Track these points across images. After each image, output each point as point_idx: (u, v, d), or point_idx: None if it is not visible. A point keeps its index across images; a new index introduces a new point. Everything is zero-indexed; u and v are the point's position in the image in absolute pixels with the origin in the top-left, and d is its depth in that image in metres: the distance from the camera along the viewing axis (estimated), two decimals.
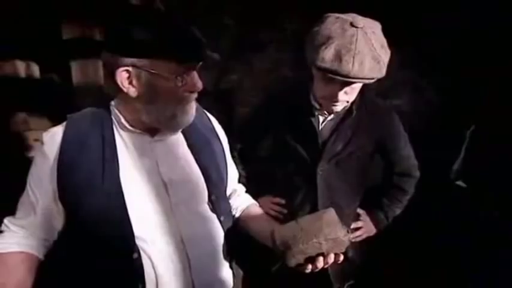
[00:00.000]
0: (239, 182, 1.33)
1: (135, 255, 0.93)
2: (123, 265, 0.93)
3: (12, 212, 1.02)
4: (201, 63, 0.93)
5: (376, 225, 1.58)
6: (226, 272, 1.10)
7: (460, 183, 2.08)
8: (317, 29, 1.19)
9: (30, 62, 1.99)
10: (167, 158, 1.01)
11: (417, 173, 1.56)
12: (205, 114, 1.17)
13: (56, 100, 2.01)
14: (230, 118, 2.57)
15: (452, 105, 2.53)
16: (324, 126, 1.41)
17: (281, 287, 1.46)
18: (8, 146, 1.93)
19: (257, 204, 1.30)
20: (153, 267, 0.94)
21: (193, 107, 0.97)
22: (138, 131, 0.98)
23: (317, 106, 1.37)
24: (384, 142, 1.45)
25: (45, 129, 0.99)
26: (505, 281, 1.87)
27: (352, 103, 1.35)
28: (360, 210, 1.58)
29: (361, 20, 1.16)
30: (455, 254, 2.18)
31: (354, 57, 1.11)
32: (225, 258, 1.09)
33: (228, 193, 1.21)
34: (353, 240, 1.52)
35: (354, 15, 1.19)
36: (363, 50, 1.12)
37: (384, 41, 1.19)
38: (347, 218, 1.51)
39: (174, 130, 1.01)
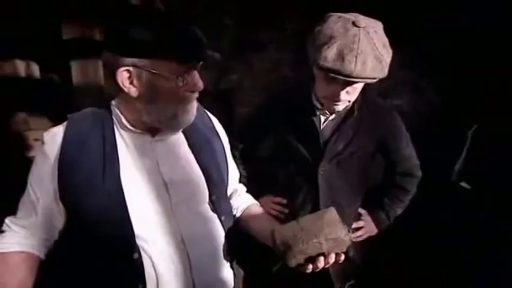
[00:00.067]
0: (240, 182, 1.33)
1: (136, 255, 0.93)
2: (123, 265, 0.93)
3: (12, 211, 1.02)
4: (201, 62, 0.93)
5: (377, 225, 1.57)
6: (227, 272, 1.10)
7: (464, 184, 2.08)
8: (319, 28, 1.19)
9: (30, 62, 1.99)
10: (168, 157, 1.01)
11: (419, 173, 1.56)
12: (206, 113, 1.17)
13: (56, 100, 2.01)
14: (230, 118, 2.57)
15: (452, 105, 2.53)
16: (325, 126, 1.41)
17: (282, 286, 1.46)
18: (8, 146, 1.93)
19: (258, 204, 1.30)
20: (154, 267, 0.94)
21: (194, 107, 0.97)
22: (138, 130, 0.98)
23: (318, 106, 1.37)
24: (386, 142, 1.44)
25: (45, 129, 0.99)
26: (505, 281, 1.87)
27: (354, 103, 1.35)
28: (361, 210, 1.58)
29: (363, 20, 1.16)
30: (456, 254, 2.18)
31: (356, 57, 1.11)
32: (225, 258, 1.09)
33: (228, 193, 1.21)
34: (354, 240, 1.52)
35: (356, 14, 1.18)
36: (365, 50, 1.12)
37: (386, 40, 1.19)
38: (348, 218, 1.50)
39: (175, 130, 1.01)
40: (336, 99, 1.25)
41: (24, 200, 1.00)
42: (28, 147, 1.99)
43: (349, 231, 0.95)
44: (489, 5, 2.25)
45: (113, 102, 0.99)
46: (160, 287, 0.95)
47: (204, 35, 0.91)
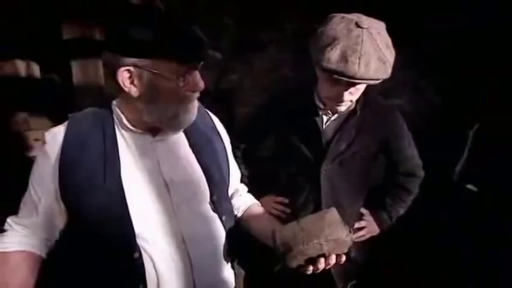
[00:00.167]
0: (242, 181, 1.33)
1: (136, 255, 0.93)
2: (124, 264, 0.93)
3: (13, 211, 1.03)
4: (202, 62, 0.93)
5: (379, 225, 1.57)
6: (228, 272, 1.10)
7: (470, 186, 2.07)
8: (322, 29, 1.19)
9: (30, 62, 1.99)
10: (169, 157, 1.01)
11: (422, 173, 1.56)
12: (207, 113, 1.17)
13: (56, 100, 2.01)
14: (231, 118, 2.57)
15: (452, 105, 2.53)
16: (327, 126, 1.41)
17: (283, 286, 1.45)
18: (8, 146, 1.93)
19: (259, 204, 1.30)
20: (154, 267, 0.94)
21: (195, 106, 0.97)
22: (139, 130, 0.98)
23: (321, 106, 1.37)
24: (388, 142, 1.44)
25: (46, 129, 0.99)
26: (505, 281, 1.88)
27: (356, 103, 1.35)
28: (363, 210, 1.58)
29: (366, 20, 1.16)
30: (456, 254, 2.18)
31: (359, 59, 1.11)
32: (226, 258, 1.09)
33: (230, 193, 1.21)
34: (356, 240, 1.52)
35: (359, 15, 1.18)
36: (369, 51, 1.12)
37: (389, 41, 1.19)
38: (350, 218, 1.50)
39: (176, 130, 1.01)
40: (339, 100, 1.25)
41: (25, 199, 1.00)
42: (28, 147, 1.99)
43: (350, 232, 0.94)
44: (489, 5, 2.25)
45: (114, 102, 0.99)
46: (161, 286, 0.95)
47: (204, 35, 0.91)
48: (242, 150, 1.56)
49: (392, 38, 1.21)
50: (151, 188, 0.97)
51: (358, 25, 1.14)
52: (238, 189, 1.28)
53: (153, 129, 0.99)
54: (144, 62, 0.85)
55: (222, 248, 1.07)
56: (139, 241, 0.93)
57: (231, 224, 1.12)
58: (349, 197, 1.48)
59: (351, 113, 1.38)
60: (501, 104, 2.24)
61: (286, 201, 1.50)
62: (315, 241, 0.90)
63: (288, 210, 1.49)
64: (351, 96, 1.26)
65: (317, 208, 1.42)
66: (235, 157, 1.30)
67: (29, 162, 0.99)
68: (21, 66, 1.97)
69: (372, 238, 1.58)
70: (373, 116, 1.40)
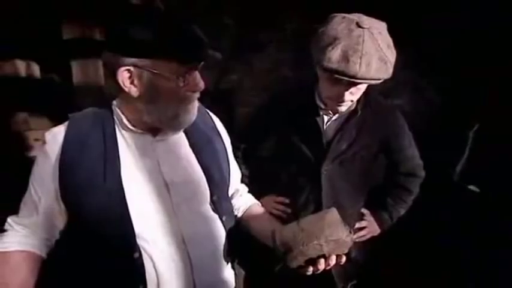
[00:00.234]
0: (242, 181, 1.33)
1: (136, 255, 0.93)
2: (124, 264, 0.93)
3: (13, 211, 1.03)
4: (202, 62, 0.93)
5: (380, 225, 1.57)
6: (228, 272, 1.10)
7: (473, 187, 2.07)
8: (323, 29, 1.19)
9: (30, 62, 1.99)
10: (169, 157, 1.01)
11: (422, 173, 1.56)
12: (208, 113, 1.17)
13: (56, 100, 2.01)
14: (231, 118, 2.57)
15: (452, 105, 2.53)
16: (328, 126, 1.41)
17: (284, 287, 1.45)
18: (8, 146, 1.93)
19: (259, 204, 1.30)
20: (154, 267, 0.94)
21: (195, 107, 0.97)
22: (139, 130, 0.98)
23: (322, 106, 1.37)
24: (389, 142, 1.44)
25: (46, 129, 0.99)
26: (505, 281, 1.88)
27: (357, 103, 1.35)
28: (364, 210, 1.57)
29: (367, 20, 1.16)
30: (456, 254, 2.18)
31: (361, 58, 1.11)
32: (226, 259, 1.08)
33: (230, 193, 1.21)
34: (357, 240, 1.51)
35: (360, 15, 1.18)
36: (370, 51, 1.12)
37: (390, 41, 1.19)
38: (351, 218, 1.50)
39: (176, 130, 1.01)
40: (340, 99, 1.25)
41: (25, 199, 1.00)
42: (28, 147, 1.99)
43: (350, 233, 0.94)
44: (489, 5, 2.26)
45: (114, 102, 0.99)
46: (161, 286, 0.95)
47: (204, 35, 0.91)
48: (242, 150, 1.56)
49: (393, 38, 1.21)
50: (151, 188, 0.97)
51: (359, 25, 1.14)
52: (238, 189, 1.28)
53: (153, 129, 0.98)
54: (144, 62, 0.85)
55: (222, 248, 1.06)
56: (139, 241, 0.93)
57: (231, 224, 1.12)
58: (349, 197, 1.48)
59: (352, 113, 1.38)
60: (501, 104, 2.24)
61: (287, 201, 1.50)
62: (315, 242, 0.90)
63: (289, 210, 1.49)
64: (352, 96, 1.26)
65: (318, 208, 1.42)
66: (236, 157, 1.30)
67: (29, 162, 0.99)
68: (21, 66, 1.97)
69: (372, 238, 1.57)
70: (373, 116, 1.40)
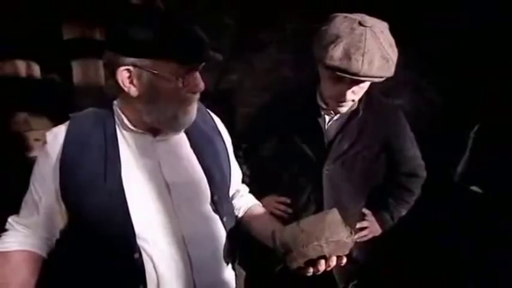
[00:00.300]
0: (243, 181, 1.33)
1: (137, 255, 0.92)
2: (124, 265, 0.93)
3: (13, 211, 1.03)
4: (203, 64, 0.93)
5: (381, 225, 1.56)
6: (228, 272, 1.10)
7: (475, 188, 2.07)
8: (325, 28, 1.19)
9: (31, 62, 1.99)
10: (169, 158, 1.00)
11: (424, 173, 1.55)
12: (209, 113, 1.16)
13: (56, 100, 2.01)
14: (231, 118, 2.58)
15: (453, 105, 2.54)
16: (329, 126, 1.41)
17: (284, 287, 1.45)
18: (9, 146, 1.93)
19: (260, 204, 1.29)
20: (155, 268, 0.94)
21: (194, 108, 0.97)
22: (140, 131, 0.97)
23: (323, 106, 1.37)
24: (390, 142, 1.44)
25: (46, 129, 0.99)
26: (505, 281, 1.88)
27: (359, 103, 1.35)
28: (365, 210, 1.57)
29: (369, 20, 1.16)
30: (456, 254, 2.18)
31: (363, 56, 1.11)
32: (226, 259, 1.08)
33: (231, 193, 1.21)
34: (358, 240, 1.51)
35: (362, 15, 1.18)
36: (372, 49, 1.12)
37: (392, 40, 1.18)
38: (352, 218, 1.50)
39: (175, 131, 1.01)
40: (342, 98, 1.25)
41: (26, 199, 1.00)
42: (29, 148, 1.99)
43: (351, 233, 0.93)
44: (489, 5, 2.26)
45: (115, 102, 0.99)
46: (161, 287, 0.95)
47: (205, 35, 0.90)
48: (244, 149, 1.56)
49: (393, 38, 1.21)
50: (151, 189, 0.97)
51: (361, 24, 1.14)
52: (239, 189, 1.27)
53: (154, 129, 0.98)
54: (143, 62, 0.85)
55: (222, 248, 1.06)
56: (139, 241, 0.93)
57: (232, 224, 1.12)
58: (351, 197, 1.48)
59: (354, 113, 1.38)
60: (501, 104, 2.24)
61: (288, 201, 1.50)
62: (315, 243, 0.89)
63: (290, 210, 1.49)
64: (354, 96, 1.25)
65: (319, 208, 1.42)
66: (237, 157, 1.29)
67: (30, 163, 0.99)
68: (21, 67, 1.97)
69: (373, 238, 1.57)
70: (375, 116, 1.40)
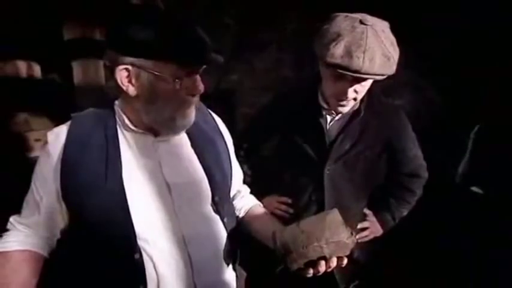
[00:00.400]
0: (245, 181, 1.32)
1: (137, 256, 0.92)
2: (124, 265, 0.93)
3: (14, 212, 1.03)
4: (204, 66, 0.92)
5: (382, 225, 1.56)
6: (229, 273, 1.09)
7: (475, 189, 2.07)
8: (327, 26, 1.19)
9: (31, 63, 1.99)
10: (170, 158, 1.00)
11: (426, 174, 1.55)
12: (210, 113, 1.16)
13: (57, 100, 2.01)
14: (231, 118, 2.58)
15: (452, 105, 2.54)
16: (331, 126, 1.41)
17: (285, 287, 1.45)
18: (9, 146, 1.93)
19: (261, 205, 1.29)
20: (155, 268, 0.94)
21: (193, 111, 0.96)
22: (141, 130, 0.97)
23: (325, 106, 1.37)
24: (392, 142, 1.43)
25: (47, 129, 0.99)
26: (505, 281, 1.88)
27: (360, 103, 1.35)
28: (366, 211, 1.57)
29: (370, 19, 1.16)
30: (456, 254, 2.18)
31: (364, 53, 1.11)
32: (226, 260, 1.08)
33: (232, 194, 1.21)
34: (359, 240, 1.51)
35: (363, 14, 1.19)
36: (373, 46, 1.12)
37: (393, 39, 1.19)
38: (354, 218, 1.49)
39: (173, 132, 1.00)
40: (344, 97, 1.25)
41: (28, 198, 1.00)
42: (29, 148, 1.99)
43: (352, 234, 0.92)
44: (489, 5, 2.26)
45: (116, 102, 0.99)
46: (161, 287, 0.95)
47: (206, 37, 0.90)
48: (245, 149, 1.56)
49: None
50: (152, 189, 0.97)
51: (362, 22, 1.14)
52: (240, 190, 1.27)
53: (154, 129, 0.98)
54: (142, 61, 0.85)
55: (223, 249, 1.06)
56: (139, 242, 0.93)
57: (233, 225, 1.12)
58: (352, 197, 1.47)
59: (355, 113, 1.38)
60: (501, 104, 2.24)
61: (289, 201, 1.50)
62: (315, 244, 0.88)
63: (291, 210, 1.49)
64: (356, 94, 1.25)
65: (320, 208, 1.42)
66: (238, 157, 1.29)
67: (30, 163, 1.00)
68: (22, 67, 1.97)
69: (374, 238, 1.57)
70: (377, 116, 1.39)
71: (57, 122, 1.00)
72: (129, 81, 0.88)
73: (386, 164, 1.48)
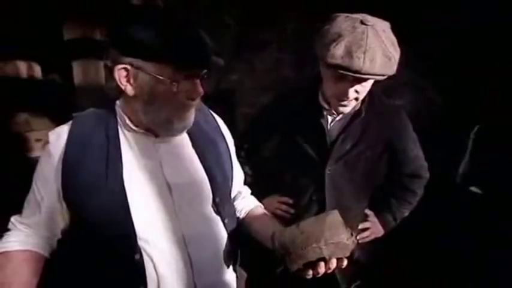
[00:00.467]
0: (245, 181, 1.32)
1: (137, 256, 0.92)
2: (124, 266, 0.93)
3: (14, 212, 1.03)
4: (205, 71, 0.91)
5: (384, 226, 1.56)
6: (229, 274, 1.09)
7: (474, 189, 2.07)
8: (327, 27, 1.19)
9: (31, 63, 1.99)
10: (171, 158, 1.00)
11: (427, 174, 1.54)
12: (211, 114, 1.16)
13: (57, 100, 2.01)
14: (231, 118, 2.58)
15: (453, 105, 2.54)
16: (332, 126, 1.41)
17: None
18: (9, 147, 1.93)
19: (262, 206, 1.29)
20: (155, 268, 0.94)
21: (192, 114, 0.96)
22: (141, 131, 0.97)
23: (326, 106, 1.37)
24: (393, 142, 1.43)
25: (47, 129, 0.99)
26: (505, 281, 1.88)
27: (361, 103, 1.35)
28: (368, 211, 1.57)
29: (371, 19, 1.16)
30: (456, 254, 2.19)
31: (364, 53, 1.11)
32: (227, 261, 1.08)
33: (233, 195, 1.20)
34: (361, 241, 1.51)
35: (364, 14, 1.18)
36: (374, 47, 1.12)
37: (394, 39, 1.18)
38: (355, 219, 1.50)
39: (170, 134, 0.99)
40: (345, 97, 1.25)
41: (29, 198, 1.00)
42: (30, 148, 1.99)
43: (352, 235, 0.91)
44: (489, 5, 2.26)
45: (117, 103, 0.99)
46: None
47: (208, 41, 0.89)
48: (246, 149, 1.56)
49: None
50: (153, 189, 0.97)
51: (363, 23, 1.14)
52: (241, 191, 1.27)
53: (154, 130, 0.98)
54: (140, 62, 0.85)
55: (223, 250, 1.06)
56: (140, 242, 0.93)
57: (233, 226, 1.11)
58: (353, 197, 1.47)
59: (356, 113, 1.38)
60: (501, 104, 2.25)
61: (290, 201, 1.50)
62: (314, 245, 0.87)
63: (292, 211, 1.49)
64: (356, 94, 1.25)
65: (321, 208, 1.42)
66: (239, 157, 1.29)
67: (31, 163, 1.00)
68: (22, 67, 1.97)
69: (375, 239, 1.57)
70: (378, 116, 1.39)
71: (58, 122, 1.00)
72: (128, 81, 0.88)
73: (387, 164, 1.48)
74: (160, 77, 0.85)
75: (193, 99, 0.93)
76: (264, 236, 1.10)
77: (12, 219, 1.02)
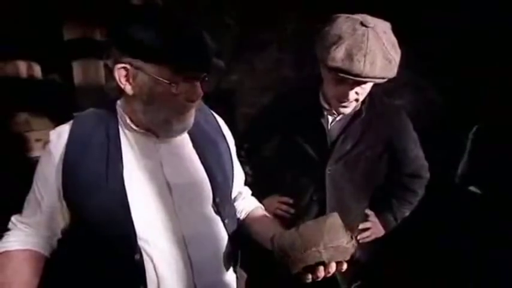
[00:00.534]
0: (246, 181, 1.32)
1: (137, 256, 0.92)
2: (124, 266, 0.93)
3: (15, 211, 1.03)
4: (205, 74, 0.91)
5: (384, 226, 1.56)
6: (229, 274, 1.09)
7: (473, 188, 2.07)
8: (328, 28, 1.19)
9: (32, 63, 1.99)
10: (172, 158, 1.00)
11: (427, 174, 1.54)
12: (212, 114, 1.16)
13: (57, 100, 2.01)
14: (232, 118, 2.58)
15: (453, 105, 2.54)
16: (332, 126, 1.41)
17: None
18: (9, 147, 1.93)
19: (262, 207, 1.28)
20: (155, 269, 0.94)
21: (191, 115, 0.96)
22: (142, 130, 0.97)
23: (326, 106, 1.37)
24: (393, 142, 1.43)
25: (47, 129, 0.99)
26: (505, 281, 1.88)
27: (362, 104, 1.35)
28: (368, 211, 1.57)
29: (371, 20, 1.15)
30: (456, 254, 2.18)
31: (365, 56, 1.10)
32: (227, 262, 1.07)
33: (233, 195, 1.20)
34: (361, 241, 1.51)
35: (364, 15, 1.18)
36: (374, 49, 1.11)
37: (395, 40, 1.18)
38: (355, 219, 1.50)
39: (169, 136, 0.99)
40: (345, 99, 1.25)
41: (29, 198, 1.00)
42: (30, 148, 1.99)
43: (352, 238, 0.90)
44: (489, 5, 2.26)
45: (118, 102, 0.99)
46: None
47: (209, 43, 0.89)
48: (246, 150, 1.56)
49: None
50: (153, 189, 0.96)
51: (363, 24, 1.14)
52: (241, 191, 1.26)
53: (153, 130, 0.98)
54: (139, 62, 0.85)
55: (223, 250, 1.06)
56: (140, 242, 0.93)
57: (234, 227, 1.11)
58: (353, 197, 1.47)
59: (357, 113, 1.38)
60: (501, 104, 2.25)
61: (291, 201, 1.50)
62: (314, 248, 0.86)
63: (292, 211, 1.49)
64: (357, 96, 1.25)
65: (321, 208, 1.42)
66: (239, 157, 1.28)
67: (31, 163, 1.00)
68: (22, 67, 1.97)
69: (375, 239, 1.57)
70: (378, 116, 1.39)
71: (58, 122, 1.00)
72: (127, 80, 0.88)
73: (387, 164, 1.47)
74: (159, 78, 0.85)
75: (192, 101, 0.92)
76: (264, 238, 1.10)
77: (13, 218, 1.02)
